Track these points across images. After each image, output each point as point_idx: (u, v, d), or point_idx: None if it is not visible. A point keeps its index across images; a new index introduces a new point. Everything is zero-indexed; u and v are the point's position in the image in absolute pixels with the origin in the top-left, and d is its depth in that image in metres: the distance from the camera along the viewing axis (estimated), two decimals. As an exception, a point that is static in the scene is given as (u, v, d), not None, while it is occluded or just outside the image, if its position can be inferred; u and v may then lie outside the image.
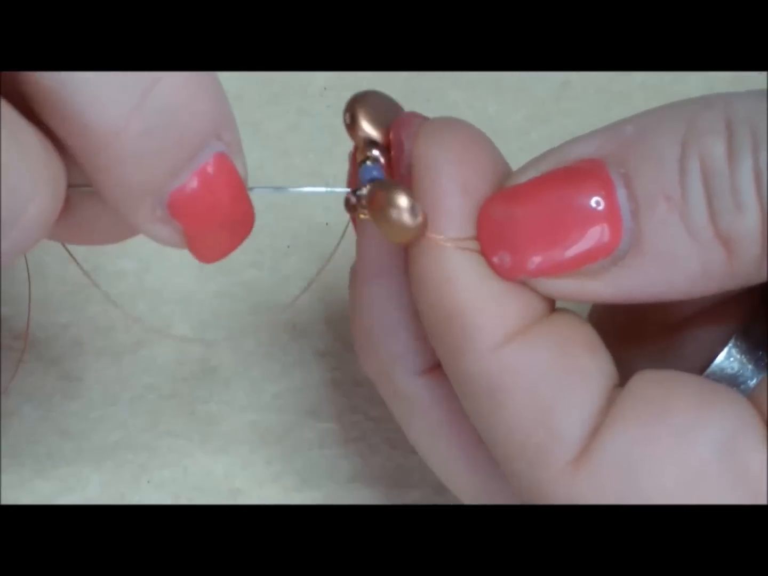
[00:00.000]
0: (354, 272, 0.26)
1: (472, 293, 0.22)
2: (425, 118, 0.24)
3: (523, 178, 0.23)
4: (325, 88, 0.35)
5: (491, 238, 0.22)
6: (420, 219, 0.22)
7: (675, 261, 0.22)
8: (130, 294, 0.33)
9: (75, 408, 0.32)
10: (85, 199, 0.22)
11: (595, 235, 0.22)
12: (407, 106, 0.25)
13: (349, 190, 0.24)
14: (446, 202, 0.22)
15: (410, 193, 0.22)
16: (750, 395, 0.22)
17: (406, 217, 0.22)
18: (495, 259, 0.23)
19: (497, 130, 0.25)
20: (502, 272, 0.23)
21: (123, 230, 0.23)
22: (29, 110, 0.20)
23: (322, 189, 0.25)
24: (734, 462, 0.21)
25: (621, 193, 0.22)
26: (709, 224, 0.21)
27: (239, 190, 0.23)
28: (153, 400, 0.32)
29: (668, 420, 0.21)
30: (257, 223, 0.34)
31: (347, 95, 0.24)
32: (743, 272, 0.22)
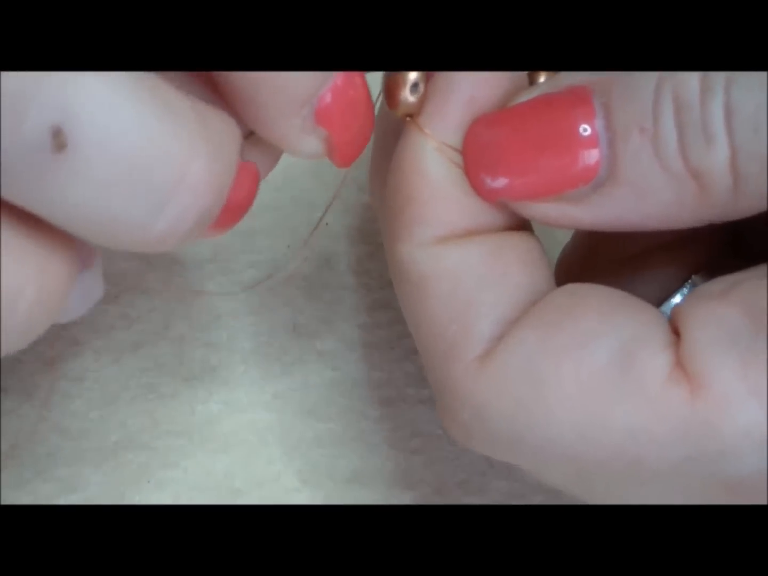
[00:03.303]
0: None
1: (431, 190, 0.23)
2: None
3: (514, 103, 0.23)
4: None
5: (475, 157, 0.23)
6: (417, 97, 0.24)
7: (649, 191, 0.22)
8: (130, 294, 0.33)
9: (75, 408, 0.32)
10: None
11: (578, 160, 0.22)
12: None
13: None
14: (448, 106, 0.23)
15: (423, 78, 0.24)
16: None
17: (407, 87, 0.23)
18: (476, 179, 0.23)
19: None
20: (483, 193, 0.23)
21: None
22: None
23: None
24: (630, 367, 0.21)
25: (600, 123, 0.22)
26: (680, 157, 0.21)
27: (366, 87, 0.24)
28: (153, 400, 0.32)
29: (571, 326, 0.22)
30: (257, 223, 0.34)
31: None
32: (717, 205, 0.22)
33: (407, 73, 0.24)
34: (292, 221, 0.34)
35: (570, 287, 0.23)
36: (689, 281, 0.26)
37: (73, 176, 0.18)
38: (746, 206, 0.22)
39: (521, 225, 0.24)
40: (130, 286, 0.33)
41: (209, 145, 0.20)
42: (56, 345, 0.32)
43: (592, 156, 0.22)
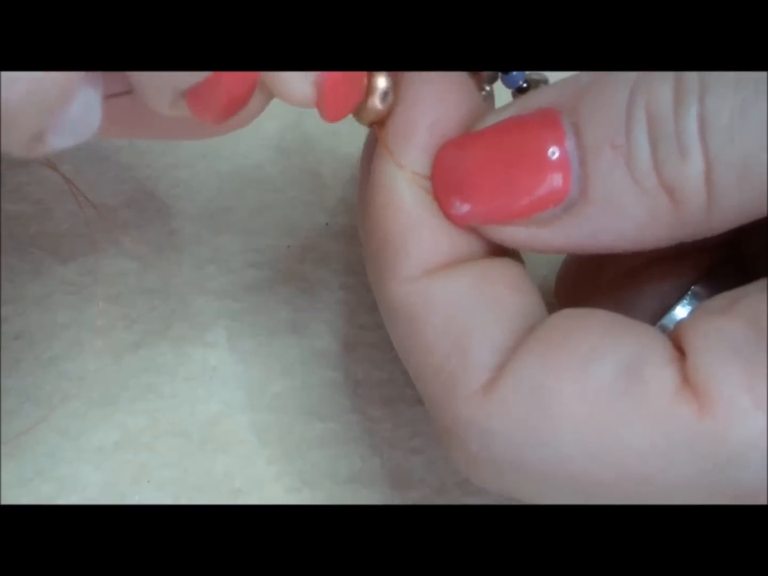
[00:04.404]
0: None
1: (410, 222, 0.23)
2: None
3: (482, 126, 0.23)
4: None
5: (444, 182, 0.23)
6: (386, 106, 0.23)
7: (622, 209, 0.22)
8: (130, 294, 0.33)
9: (75, 408, 0.32)
10: None
11: (546, 185, 0.22)
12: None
13: None
14: (411, 135, 0.23)
15: (391, 78, 0.23)
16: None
17: (378, 95, 0.23)
18: (446, 203, 0.23)
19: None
20: (452, 217, 0.23)
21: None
22: None
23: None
24: (636, 385, 0.21)
25: (570, 143, 0.22)
26: (653, 171, 0.21)
27: None
28: (153, 400, 0.32)
29: (573, 347, 0.22)
30: (257, 223, 0.34)
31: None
32: (691, 222, 0.22)
33: (376, 79, 0.23)
34: (292, 221, 0.34)
35: (567, 311, 0.23)
36: (689, 292, 0.26)
37: None
38: (720, 221, 0.22)
39: (503, 251, 0.24)
40: (130, 286, 0.33)
41: None
42: (56, 345, 0.32)
43: (561, 178, 0.22)
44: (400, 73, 0.24)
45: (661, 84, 0.21)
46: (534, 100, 0.23)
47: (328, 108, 0.23)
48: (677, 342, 0.22)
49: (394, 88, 0.23)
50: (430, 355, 0.23)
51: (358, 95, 0.24)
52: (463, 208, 0.23)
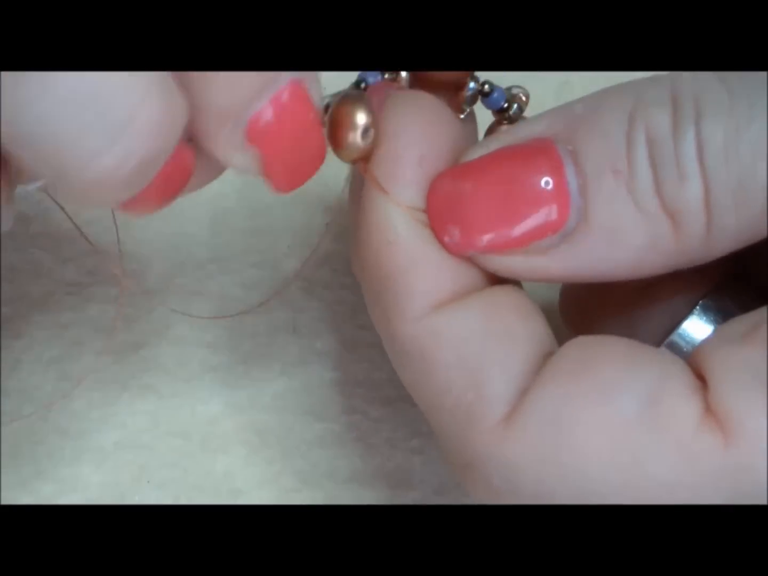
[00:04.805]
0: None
1: (409, 258, 0.23)
2: (399, 88, 0.24)
3: (474, 156, 0.23)
4: (325, 89, 0.35)
5: (440, 213, 0.23)
6: (368, 142, 0.23)
7: (622, 235, 0.22)
8: (130, 294, 0.33)
9: (75, 408, 0.32)
10: None
11: (544, 214, 0.22)
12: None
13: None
14: (401, 170, 0.23)
15: (371, 113, 0.23)
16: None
17: (359, 127, 0.23)
18: (443, 235, 0.23)
19: (497, 131, 0.25)
20: (449, 248, 0.23)
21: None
22: None
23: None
24: (658, 413, 0.21)
25: (569, 171, 0.22)
26: (655, 195, 0.21)
27: (313, 117, 0.22)
28: (153, 400, 0.32)
29: (593, 378, 0.21)
30: (257, 223, 0.34)
31: (347, 96, 0.24)
32: (690, 248, 0.22)
33: (356, 115, 0.23)
34: (292, 221, 0.34)
35: (582, 339, 0.23)
36: (698, 306, 0.26)
37: (42, 91, 0.18)
38: (719, 245, 0.22)
39: (503, 279, 0.24)
40: (130, 286, 0.33)
41: (161, 99, 0.19)
42: (56, 345, 0.32)
43: (558, 208, 0.22)
44: (377, 107, 0.23)
45: (658, 110, 0.21)
46: (524, 130, 0.23)
47: (274, 179, 0.22)
48: (697, 370, 0.22)
49: (374, 123, 0.23)
50: (445, 392, 0.22)
51: (311, 165, 0.23)
52: (460, 239, 0.23)
